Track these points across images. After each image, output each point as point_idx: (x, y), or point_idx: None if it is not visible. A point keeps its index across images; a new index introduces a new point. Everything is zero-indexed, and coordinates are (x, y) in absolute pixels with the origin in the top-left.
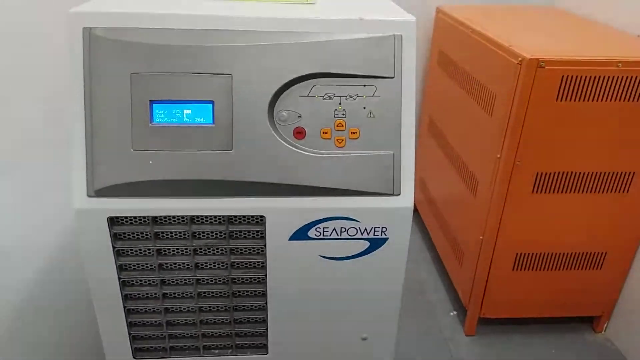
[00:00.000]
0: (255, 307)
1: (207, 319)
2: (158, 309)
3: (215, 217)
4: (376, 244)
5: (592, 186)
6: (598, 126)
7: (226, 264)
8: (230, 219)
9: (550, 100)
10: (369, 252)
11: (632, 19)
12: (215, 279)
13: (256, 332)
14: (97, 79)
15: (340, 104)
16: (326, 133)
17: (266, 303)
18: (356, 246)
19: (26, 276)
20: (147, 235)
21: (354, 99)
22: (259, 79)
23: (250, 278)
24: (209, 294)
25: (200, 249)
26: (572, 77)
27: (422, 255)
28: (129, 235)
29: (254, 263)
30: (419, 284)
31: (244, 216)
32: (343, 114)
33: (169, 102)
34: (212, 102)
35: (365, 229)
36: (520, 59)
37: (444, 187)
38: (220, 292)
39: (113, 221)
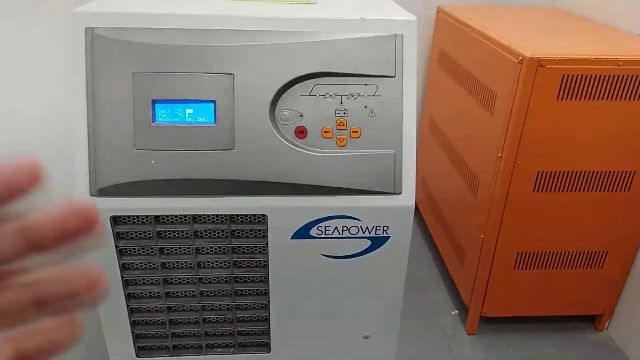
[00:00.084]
0: (258, 305)
1: (209, 318)
2: (161, 308)
3: (217, 216)
4: (378, 242)
5: (593, 185)
6: (599, 125)
7: (228, 262)
8: (232, 218)
9: (551, 99)
10: (370, 251)
11: (633, 18)
12: (218, 278)
13: (258, 330)
14: (99, 78)
15: (341, 103)
16: (327, 132)
17: (268, 302)
18: (358, 245)
19: None
20: (149, 234)
21: (355, 98)
22: (261, 79)
23: (253, 277)
24: (211, 293)
25: (203, 247)
26: (572, 76)
27: (423, 254)
28: (131, 234)
29: (256, 262)
30: (420, 283)
31: (245, 215)
32: (344, 113)
33: (171, 101)
34: (213, 101)
35: (367, 228)
36: (521, 58)
37: (444, 186)
38: (223, 291)
39: (116, 220)
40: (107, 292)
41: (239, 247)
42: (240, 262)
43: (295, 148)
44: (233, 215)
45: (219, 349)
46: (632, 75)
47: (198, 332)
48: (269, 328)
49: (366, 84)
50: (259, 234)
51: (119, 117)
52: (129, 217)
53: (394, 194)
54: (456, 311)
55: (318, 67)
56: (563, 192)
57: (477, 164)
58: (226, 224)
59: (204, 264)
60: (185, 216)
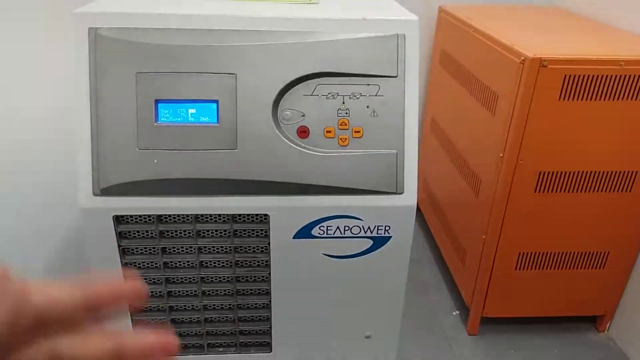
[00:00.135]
0: (259, 305)
1: (211, 317)
2: (162, 307)
3: (219, 215)
4: (379, 242)
5: (595, 185)
6: (601, 125)
7: (230, 262)
8: (234, 218)
9: (553, 100)
10: (372, 250)
11: (634, 18)
12: (220, 278)
13: (260, 330)
14: (102, 78)
15: (343, 103)
16: (330, 132)
17: (270, 301)
18: (360, 244)
19: (30, 275)
20: (152, 233)
21: (358, 98)
22: (263, 79)
23: (255, 276)
24: (213, 292)
25: (205, 247)
26: (574, 76)
27: (425, 254)
28: (134, 233)
29: (258, 261)
30: (422, 283)
31: (248, 215)
32: (346, 113)
33: (173, 101)
34: (216, 101)
35: (369, 227)
36: (522, 58)
37: (446, 186)
38: (225, 291)
39: (118, 220)
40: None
41: (241, 246)
42: (242, 262)
43: (298, 148)
44: (235, 214)
45: (221, 349)
46: (634, 76)
47: (200, 332)
48: (270, 327)
49: (368, 84)
50: (261, 233)
51: (121, 116)
52: (131, 216)
53: (395, 193)
54: (457, 312)
55: (320, 67)
56: (565, 193)
57: (478, 164)
58: (228, 223)
59: (206, 263)
60: (187, 216)
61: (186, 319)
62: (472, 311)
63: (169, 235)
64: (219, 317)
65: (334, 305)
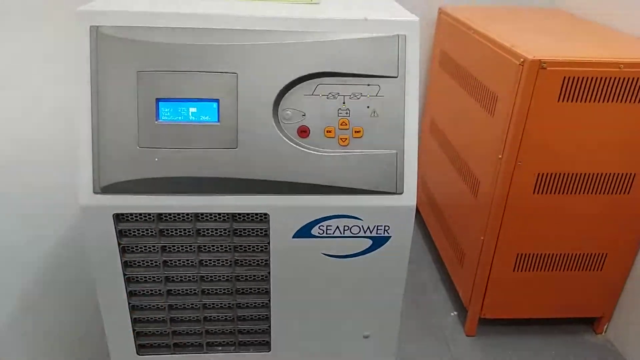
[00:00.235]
0: (259, 304)
1: (210, 316)
2: (162, 306)
3: (219, 214)
4: (379, 242)
5: (593, 187)
6: (599, 127)
7: (230, 261)
8: (234, 217)
9: (552, 101)
10: (371, 250)
11: (634, 21)
12: (219, 276)
13: (259, 329)
14: (103, 76)
15: (344, 103)
16: (330, 132)
17: (269, 300)
18: (359, 244)
19: (30, 273)
20: (152, 232)
21: (358, 98)
22: (264, 78)
23: (254, 275)
24: (212, 291)
25: (205, 246)
26: (573, 78)
27: (423, 255)
28: (134, 231)
29: (258, 260)
30: (420, 284)
31: (248, 214)
32: (347, 113)
33: (174, 100)
34: (217, 100)
35: (368, 227)
36: (522, 59)
37: (445, 187)
38: (224, 289)
39: (119, 218)
40: None
41: (241, 245)
42: (241, 261)
43: (298, 147)
44: (235, 213)
45: (220, 347)
46: (633, 78)
47: (199, 330)
48: (269, 327)
49: (369, 84)
50: (261, 232)
51: (122, 115)
52: (131, 214)
53: (395, 193)
54: (455, 312)
55: (321, 67)
56: (563, 194)
57: (477, 165)
58: (228, 222)
59: (206, 262)
60: (187, 214)
61: (185, 318)
62: (470, 312)
63: (168, 233)
64: (218, 316)
65: (333, 304)
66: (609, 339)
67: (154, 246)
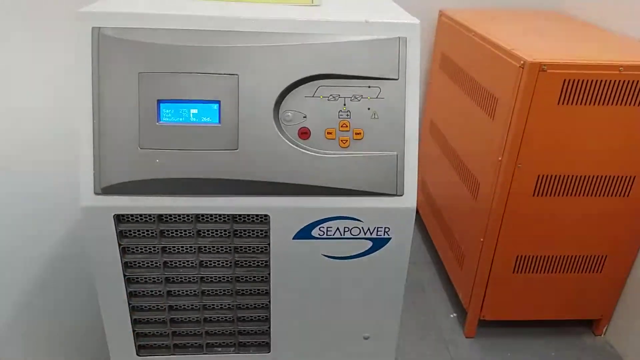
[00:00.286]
0: (259, 305)
1: (210, 317)
2: (162, 307)
3: (220, 215)
4: (379, 243)
5: (593, 189)
6: (599, 130)
7: (230, 262)
8: (234, 218)
9: (552, 104)
10: (371, 252)
11: (634, 24)
12: (219, 277)
13: (259, 330)
14: (105, 78)
15: (344, 104)
16: (330, 133)
17: (269, 302)
18: (359, 246)
19: (31, 274)
20: (152, 233)
21: (359, 100)
22: (265, 80)
23: (254, 277)
24: (212, 292)
25: (205, 247)
26: (573, 80)
27: (423, 256)
28: (134, 232)
29: (258, 262)
30: (419, 285)
31: (248, 215)
32: (347, 115)
33: (175, 101)
34: (218, 101)
35: (369, 229)
36: (522, 62)
37: (445, 189)
38: (224, 291)
39: (119, 219)
40: None
41: (241, 246)
42: (241, 262)
43: (299, 149)
44: (235, 215)
45: (220, 348)
46: (633, 81)
47: (199, 331)
48: (269, 328)
49: (369, 86)
50: (261, 234)
51: (123, 116)
52: (132, 215)
53: (395, 195)
54: (455, 314)
55: (322, 68)
56: (563, 197)
57: (477, 168)
58: (229, 223)
59: (206, 263)
60: (188, 215)
61: (185, 319)
62: (470, 314)
63: (169, 234)
64: (218, 317)
65: (333, 306)
66: (608, 341)
67: (154, 247)
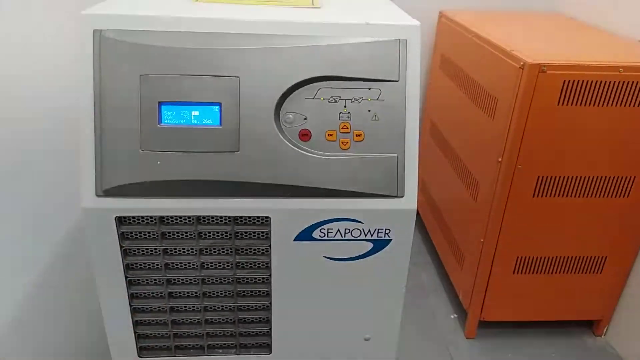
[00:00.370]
0: (260, 307)
1: (211, 319)
2: (163, 308)
3: (221, 217)
4: (380, 245)
5: (593, 190)
6: (599, 131)
7: (231, 264)
8: (235, 220)
9: (552, 105)
10: (372, 253)
11: (634, 25)
12: (221, 279)
13: (260, 331)
14: (106, 80)
15: (345, 106)
16: (331, 135)
17: (270, 303)
18: (360, 247)
19: (32, 275)
20: (154, 234)
21: (359, 102)
22: (266, 82)
23: (255, 278)
24: (214, 294)
25: (206, 248)
26: (573, 81)
27: (423, 257)
28: (136, 234)
29: (259, 263)
30: (420, 286)
31: (249, 217)
32: (348, 117)
33: (177, 103)
34: (219, 104)
35: (369, 231)
36: (522, 63)
37: (445, 190)
38: (225, 292)
39: (121, 220)
40: None
41: (242, 248)
42: (243, 264)
43: (299, 151)
44: (236, 216)
45: (221, 350)
46: (633, 82)
47: (200, 333)
48: (270, 329)
49: (370, 88)
50: (262, 235)
51: (125, 118)
52: (133, 217)
53: (396, 197)
54: (455, 315)
55: (322, 70)
56: (563, 197)
57: (477, 168)
58: (230, 225)
59: (207, 264)
60: (189, 217)
61: (186, 320)
62: (470, 314)
63: (170, 236)
64: (219, 319)
65: (334, 307)
66: (608, 342)
67: (155, 249)
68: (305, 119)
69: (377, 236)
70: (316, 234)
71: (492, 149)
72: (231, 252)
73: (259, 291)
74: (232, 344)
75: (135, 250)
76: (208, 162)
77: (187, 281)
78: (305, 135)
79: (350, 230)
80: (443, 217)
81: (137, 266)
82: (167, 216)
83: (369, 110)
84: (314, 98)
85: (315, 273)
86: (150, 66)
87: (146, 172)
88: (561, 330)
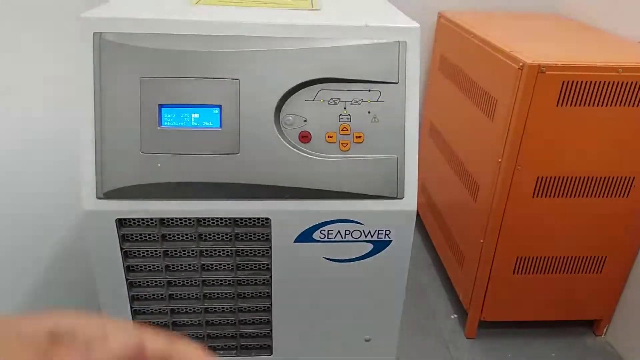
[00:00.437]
0: (260, 308)
1: (212, 320)
2: (164, 310)
3: (221, 219)
4: (380, 246)
5: (593, 191)
6: (598, 131)
7: (232, 265)
8: (236, 221)
9: (551, 105)
10: (372, 255)
11: (633, 25)
12: (221, 281)
13: (261, 333)
14: (106, 83)
15: (345, 108)
16: (331, 137)
17: (271, 304)
18: (360, 248)
19: (32, 277)
20: (154, 236)
21: (359, 104)
22: (266, 84)
23: (256, 280)
24: (214, 295)
25: (207, 250)
26: (572, 82)
27: (423, 258)
28: (136, 236)
29: (259, 265)
30: (420, 286)
31: (249, 218)
32: (348, 119)
33: (177, 106)
34: (219, 106)
35: (369, 232)
36: (521, 64)
37: (445, 190)
38: (226, 294)
39: (121, 223)
40: None
41: (243, 250)
42: (243, 265)
43: (299, 152)
44: (237, 218)
45: (221, 351)
46: (632, 82)
47: (201, 334)
48: (271, 330)
49: (370, 90)
50: (263, 237)
51: (125, 120)
52: (134, 219)
53: (396, 198)
54: (455, 315)
55: (322, 73)
56: (562, 198)
57: (477, 169)
58: (230, 227)
59: (208, 266)
60: (189, 219)
61: (187, 322)
62: (470, 315)
63: (171, 238)
64: (220, 320)
65: (334, 308)
66: (608, 341)
67: (156, 251)
68: (305, 120)
69: (377, 237)
70: (316, 235)
71: (492, 149)
72: (232, 253)
73: (260, 292)
74: (232, 345)
75: (135, 252)
76: (208, 164)
77: (187, 283)
78: (305, 137)
79: (351, 231)
80: (443, 218)
81: (137, 268)
82: (168, 218)
83: (369, 112)
84: (313, 100)
85: (315, 274)
86: (150, 69)
87: (147, 174)
88: (561, 330)
